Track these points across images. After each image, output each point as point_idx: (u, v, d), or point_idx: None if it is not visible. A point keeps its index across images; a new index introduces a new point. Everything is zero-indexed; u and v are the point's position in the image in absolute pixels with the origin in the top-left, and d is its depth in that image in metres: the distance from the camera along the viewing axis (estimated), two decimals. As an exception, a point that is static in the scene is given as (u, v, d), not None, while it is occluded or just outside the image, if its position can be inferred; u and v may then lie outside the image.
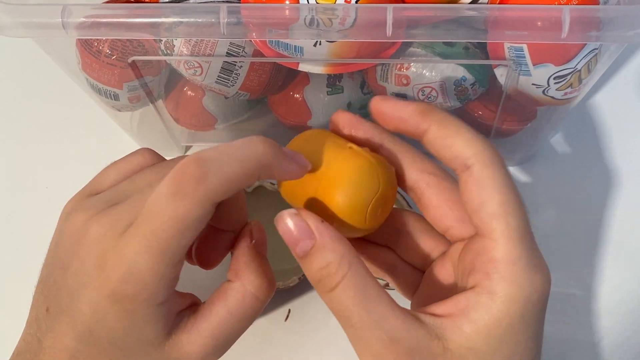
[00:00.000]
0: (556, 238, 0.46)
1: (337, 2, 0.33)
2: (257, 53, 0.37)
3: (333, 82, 0.42)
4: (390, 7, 0.30)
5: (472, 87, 0.39)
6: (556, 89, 0.36)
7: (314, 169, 0.28)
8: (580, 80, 0.36)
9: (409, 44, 0.37)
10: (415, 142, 0.29)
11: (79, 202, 0.29)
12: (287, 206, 0.44)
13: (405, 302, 0.32)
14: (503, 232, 0.25)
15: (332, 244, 0.26)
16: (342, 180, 0.27)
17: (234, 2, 0.36)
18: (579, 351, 0.42)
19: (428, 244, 0.31)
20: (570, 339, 0.42)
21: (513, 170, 0.49)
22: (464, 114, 0.45)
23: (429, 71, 0.38)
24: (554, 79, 0.35)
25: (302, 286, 0.43)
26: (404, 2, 0.35)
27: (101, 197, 0.29)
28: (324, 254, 0.26)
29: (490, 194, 0.26)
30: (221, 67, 0.38)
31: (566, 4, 0.32)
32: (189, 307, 0.28)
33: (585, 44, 0.34)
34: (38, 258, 0.29)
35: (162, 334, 0.27)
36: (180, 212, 0.24)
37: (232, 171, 0.25)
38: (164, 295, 0.26)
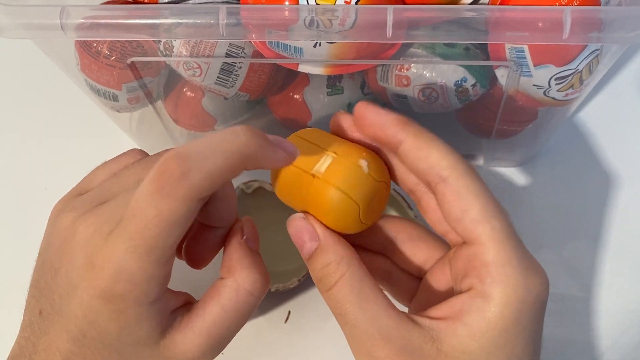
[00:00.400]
0: (557, 239, 0.46)
1: (337, 3, 0.33)
2: (257, 54, 0.37)
3: (333, 82, 0.42)
4: (391, 8, 0.30)
5: (472, 88, 0.39)
6: (557, 90, 0.36)
7: (308, 168, 0.28)
8: (581, 82, 0.36)
9: (410, 45, 0.37)
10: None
11: (66, 203, 0.29)
12: (287, 208, 0.44)
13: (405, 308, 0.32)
14: (489, 236, 0.26)
15: (334, 246, 0.27)
16: (336, 178, 0.27)
17: (233, 3, 0.36)
18: (579, 352, 0.42)
19: (424, 252, 0.31)
20: (569, 340, 0.42)
21: (514, 171, 0.49)
22: (464, 115, 0.45)
23: (429, 72, 0.38)
24: (555, 80, 0.35)
25: (302, 288, 0.43)
26: (404, 3, 0.35)
27: (88, 196, 0.29)
28: (326, 255, 0.27)
29: (470, 201, 0.26)
30: (220, 68, 0.38)
31: (567, 4, 0.32)
32: (183, 305, 0.28)
33: (587, 45, 0.34)
34: (35, 260, 0.29)
35: (156, 334, 0.27)
36: (164, 210, 0.24)
37: (214, 165, 0.25)
38: (155, 293, 0.26)
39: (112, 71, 0.38)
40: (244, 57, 0.37)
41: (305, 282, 0.42)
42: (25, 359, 0.27)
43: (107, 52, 0.37)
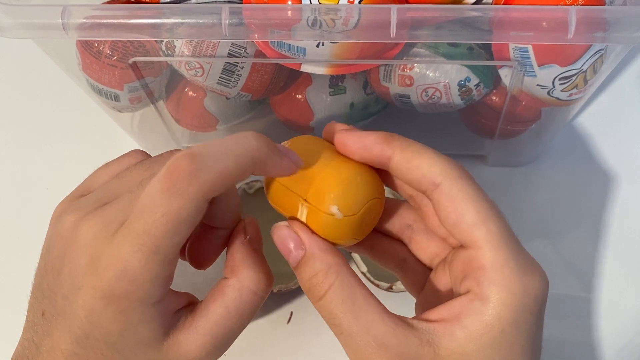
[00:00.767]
0: (559, 239, 0.46)
1: (340, 3, 0.32)
2: (259, 54, 0.37)
3: (335, 82, 0.42)
4: (395, 7, 0.30)
5: (476, 88, 0.38)
6: (561, 90, 0.36)
7: (301, 176, 0.28)
8: (585, 81, 0.36)
9: (413, 45, 0.37)
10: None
11: (68, 204, 0.29)
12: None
13: (406, 310, 0.32)
14: (486, 239, 0.26)
15: (321, 254, 0.27)
16: (330, 193, 0.27)
17: (235, 3, 0.36)
18: (580, 353, 0.42)
19: (436, 244, 0.31)
20: (570, 341, 0.42)
21: (517, 171, 0.48)
22: (468, 115, 0.45)
23: (432, 72, 0.38)
24: (559, 80, 0.35)
25: (305, 288, 0.43)
26: (407, 3, 0.35)
27: (91, 197, 0.29)
28: (313, 264, 0.27)
29: (465, 206, 0.26)
30: (223, 68, 0.38)
31: (572, 4, 0.32)
32: (186, 306, 0.28)
33: (591, 45, 0.33)
34: (38, 260, 0.29)
35: (159, 334, 0.26)
36: (174, 208, 0.24)
37: (225, 166, 0.25)
38: (158, 294, 0.26)
39: (114, 71, 0.38)
40: (246, 57, 0.37)
41: (308, 283, 0.42)
42: None
43: (108, 52, 0.37)
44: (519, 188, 0.48)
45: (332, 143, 0.30)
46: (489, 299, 0.25)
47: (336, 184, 0.27)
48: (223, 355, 0.28)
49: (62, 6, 0.31)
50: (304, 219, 0.28)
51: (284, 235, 0.28)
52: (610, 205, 0.47)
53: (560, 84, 0.36)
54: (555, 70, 0.35)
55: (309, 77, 0.42)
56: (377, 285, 0.41)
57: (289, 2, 0.33)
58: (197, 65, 0.38)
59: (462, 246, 0.27)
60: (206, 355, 0.27)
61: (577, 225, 0.46)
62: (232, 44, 0.36)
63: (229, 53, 0.37)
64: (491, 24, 0.31)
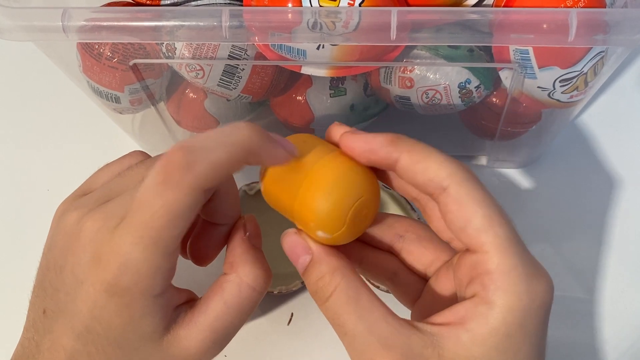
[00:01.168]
0: (560, 240, 0.46)
1: (340, 5, 0.32)
2: (260, 56, 0.37)
3: (336, 84, 0.42)
4: (395, 10, 0.30)
5: (476, 90, 0.38)
6: (562, 92, 0.36)
7: (296, 173, 0.28)
8: (586, 83, 0.36)
9: (413, 47, 0.37)
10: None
11: (71, 203, 0.29)
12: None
13: (407, 312, 0.32)
14: (493, 244, 0.25)
15: (327, 258, 0.27)
16: (322, 185, 0.27)
17: (236, 5, 0.36)
18: (582, 355, 0.42)
19: (431, 252, 0.31)
20: (573, 343, 0.42)
21: (517, 172, 0.48)
22: (468, 117, 0.45)
23: (433, 74, 0.38)
24: (560, 82, 0.35)
25: (305, 290, 0.43)
26: (407, 5, 0.35)
27: (93, 196, 0.29)
28: (319, 267, 0.27)
29: (473, 210, 0.26)
30: (223, 70, 0.38)
31: (572, 6, 0.32)
32: (186, 302, 0.29)
33: (592, 47, 0.33)
34: (39, 260, 0.29)
35: (160, 329, 0.27)
36: (170, 201, 0.25)
37: (219, 157, 0.25)
38: (160, 286, 0.26)
39: (114, 73, 0.38)
40: (247, 59, 0.37)
41: (308, 285, 0.42)
42: (29, 359, 0.27)
43: (109, 54, 0.37)
44: (520, 189, 0.48)
45: (332, 144, 0.30)
46: (495, 304, 0.25)
47: (315, 206, 0.27)
48: (224, 356, 0.28)
49: (63, 8, 0.31)
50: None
51: (293, 242, 0.28)
52: (612, 206, 0.47)
53: (561, 86, 0.36)
54: (556, 72, 0.35)
55: (309, 79, 0.42)
56: (378, 287, 0.41)
57: (289, 5, 0.33)
58: (198, 67, 0.38)
59: (467, 250, 0.27)
60: (206, 350, 0.28)
61: (578, 227, 0.46)
62: (233, 46, 0.36)
63: (229, 55, 0.37)
64: (491, 26, 0.30)
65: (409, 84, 0.39)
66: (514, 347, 0.25)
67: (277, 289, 0.41)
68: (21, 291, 0.30)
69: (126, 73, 0.38)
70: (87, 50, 0.38)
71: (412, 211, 0.43)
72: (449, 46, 0.37)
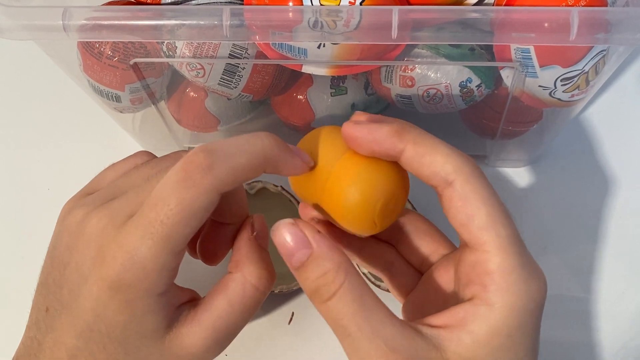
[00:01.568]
0: (560, 239, 0.46)
1: (341, 4, 0.32)
2: (260, 55, 0.37)
3: (337, 83, 0.42)
4: (396, 9, 0.30)
5: (477, 89, 0.38)
6: (563, 91, 0.36)
7: (325, 165, 0.28)
8: (587, 82, 0.35)
9: (414, 46, 0.37)
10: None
11: (76, 202, 0.29)
12: (290, 209, 0.44)
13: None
14: (494, 243, 0.25)
15: (330, 253, 0.26)
16: (352, 177, 0.27)
17: (236, 4, 0.36)
18: (579, 353, 0.42)
19: (429, 245, 0.31)
20: (570, 342, 0.42)
21: (518, 171, 0.48)
22: (469, 116, 0.45)
23: (434, 72, 0.38)
24: (561, 81, 0.35)
25: (306, 289, 0.43)
26: (408, 4, 0.35)
27: (99, 194, 0.29)
28: (322, 263, 0.26)
29: (477, 207, 0.26)
30: (224, 69, 0.38)
31: (574, 5, 0.32)
32: (189, 301, 0.28)
33: (593, 46, 0.33)
34: (40, 260, 0.29)
35: (162, 327, 0.27)
36: (188, 199, 0.25)
37: (239, 162, 0.26)
38: (164, 285, 0.26)
39: (115, 72, 0.38)
40: (248, 58, 0.37)
41: (309, 284, 0.42)
42: (30, 358, 0.27)
43: (109, 53, 0.37)
44: (520, 189, 0.48)
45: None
46: (495, 304, 0.25)
47: (343, 200, 0.27)
48: (225, 355, 0.28)
49: (63, 7, 0.31)
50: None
51: (289, 234, 0.26)
52: (612, 205, 0.47)
53: (562, 85, 0.35)
54: (557, 71, 0.34)
55: (310, 77, 0.42)
56: (379, 287, 0.41)
57: (290, 4, 0.33)
58: (199, 66, 0.38)
59: (467, 246, 0.27)
60: (207, 349, 0.27)
61: (578, 226, 0.46)
62: (234, 45, 0.36)
63: (230, 54, 0.37)
64: (492, 25, 0.30)
65: (410, 83, 0.39)
66: (515, 346, 0.25)
67: (278, 288, 0.41)
68: (21, 290, 0.30)
69: (127, 72, 0.38)
70: (88, 49, 0.38)
71: (413, 210, 0.43)
72: (450, 45, 0.36)
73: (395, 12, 0.30)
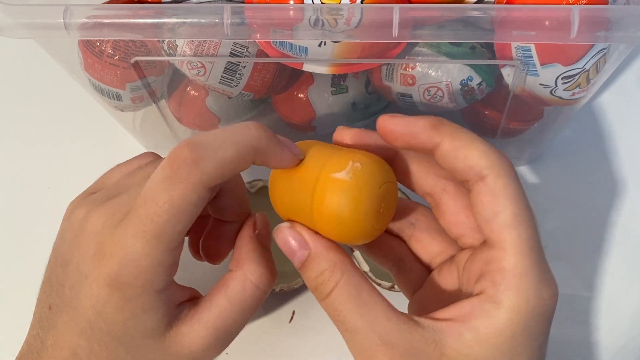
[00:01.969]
0: (562, 238, 0.46)
1: (342, 2, 0.32)
2: (261, 53, 0.37)
3: (337, 81, 0.42)
4: (397, 7, 0.30)
5: (478, 87, 0.38)
6: (564, 89, 0.36)
7: (307, 177, 0.27)
8: (588, 81, 0.35)
9: (415, 44, 0.37)
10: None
11: (81, 200, 0.29)
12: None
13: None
14: (514, 243, 0.25)
15: (326, 253, 0.27)
16: (336, 185, 0.26)
17: (237, 2, 0.36)
18: (581, 352, 0.42)
19: (439, 244, 0.31)
20: (572, 340, 0.42)
21: (519, 170, 0.48)
22: (470, 114, 0.45)
23: (434, 71, 0.38)
24: (562, 79, 0.35)
25: (306, 288, 0.43)
26: (409, 2, 0.35)
27: (102, 193, 0.29)
28: (318, 262, 0.27)
29: (504, 205, 0.26)
30: (225, 68, 0.38)
31: (574, 3, 0.32)
32: (190, 299, 0.28)
33: (594, 44, 0.33)
34: (40, 258, 0.29)
35: (162, 325, 0.27)
36: (175, 196, 0.25)
37: (225, 155, 0.25)
38: (162, 282, 0.26)
39: (116, 70, 0.38)
40: (248, 57, 0.37)
41: (310, 282, 0.42)
42: (33, 356, 0.27)
43: (110, 51, 0.37)
44: (521, 187, 0.48)
45: (342, 146, 0.29)
46: (502, 304, 0.25)
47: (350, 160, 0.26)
48: (225, 354, 0.28)
49: (64, 6, 0.31)
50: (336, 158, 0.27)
51: (287, 236, 0.28)
52: (613, 203, 0.47)
53: (563, 83, 0.35)
54: (558, 69, 0.34)
55: (310, 76, 0.42)
56: (379, 285, 0.41)
57: (291, 2, 0.33)
58: (199, 65, 0.38)
59: (485, 243, 0.27)
60: (208, 347, 0.27)
61: (579, 224, 0.46)
62: (234, 43, 0.36)
63: (231, 52, 0.37)
64: (493, 23, 0.30)
65: (410, 81, 0.39)
66: (516, 348, 0.25)
67: (279, 286, 0.41)
68: (22, 289, 0.30)
69: (127, 70, 0.38)
70: (89, 48, 0.38)
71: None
72: (450, 43, 0.36)
73: (396, 10, 0.30)
